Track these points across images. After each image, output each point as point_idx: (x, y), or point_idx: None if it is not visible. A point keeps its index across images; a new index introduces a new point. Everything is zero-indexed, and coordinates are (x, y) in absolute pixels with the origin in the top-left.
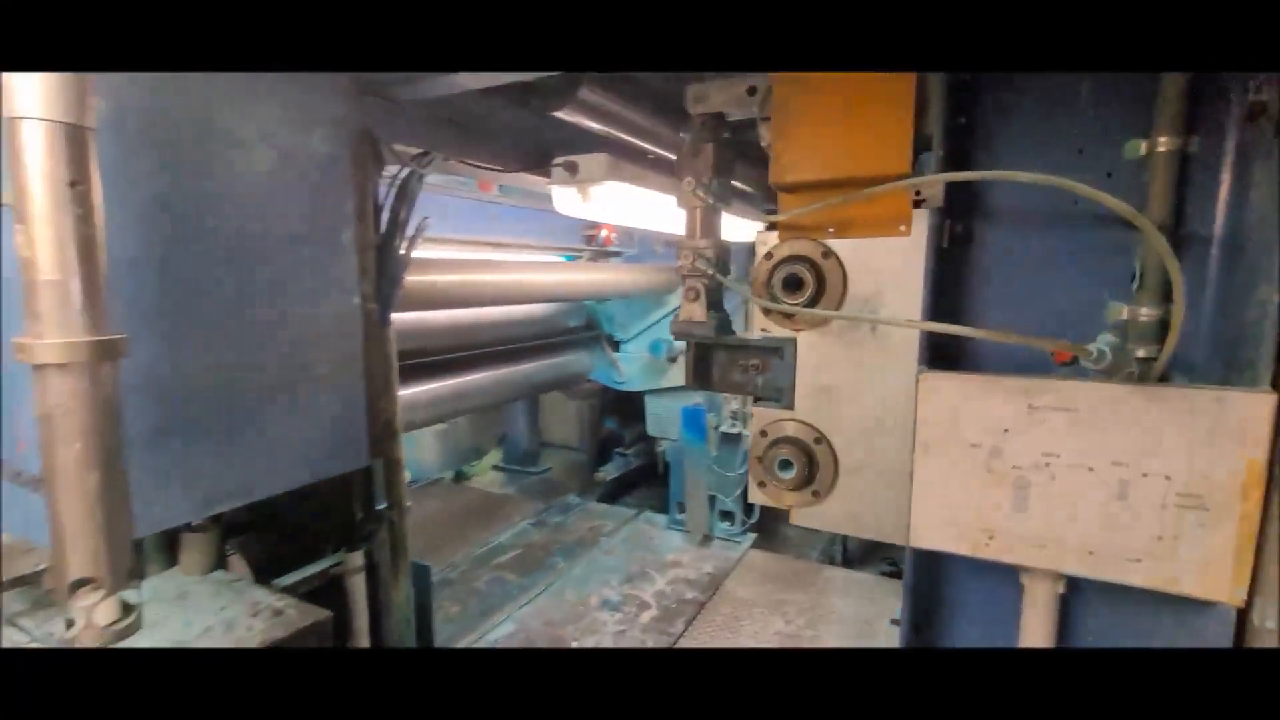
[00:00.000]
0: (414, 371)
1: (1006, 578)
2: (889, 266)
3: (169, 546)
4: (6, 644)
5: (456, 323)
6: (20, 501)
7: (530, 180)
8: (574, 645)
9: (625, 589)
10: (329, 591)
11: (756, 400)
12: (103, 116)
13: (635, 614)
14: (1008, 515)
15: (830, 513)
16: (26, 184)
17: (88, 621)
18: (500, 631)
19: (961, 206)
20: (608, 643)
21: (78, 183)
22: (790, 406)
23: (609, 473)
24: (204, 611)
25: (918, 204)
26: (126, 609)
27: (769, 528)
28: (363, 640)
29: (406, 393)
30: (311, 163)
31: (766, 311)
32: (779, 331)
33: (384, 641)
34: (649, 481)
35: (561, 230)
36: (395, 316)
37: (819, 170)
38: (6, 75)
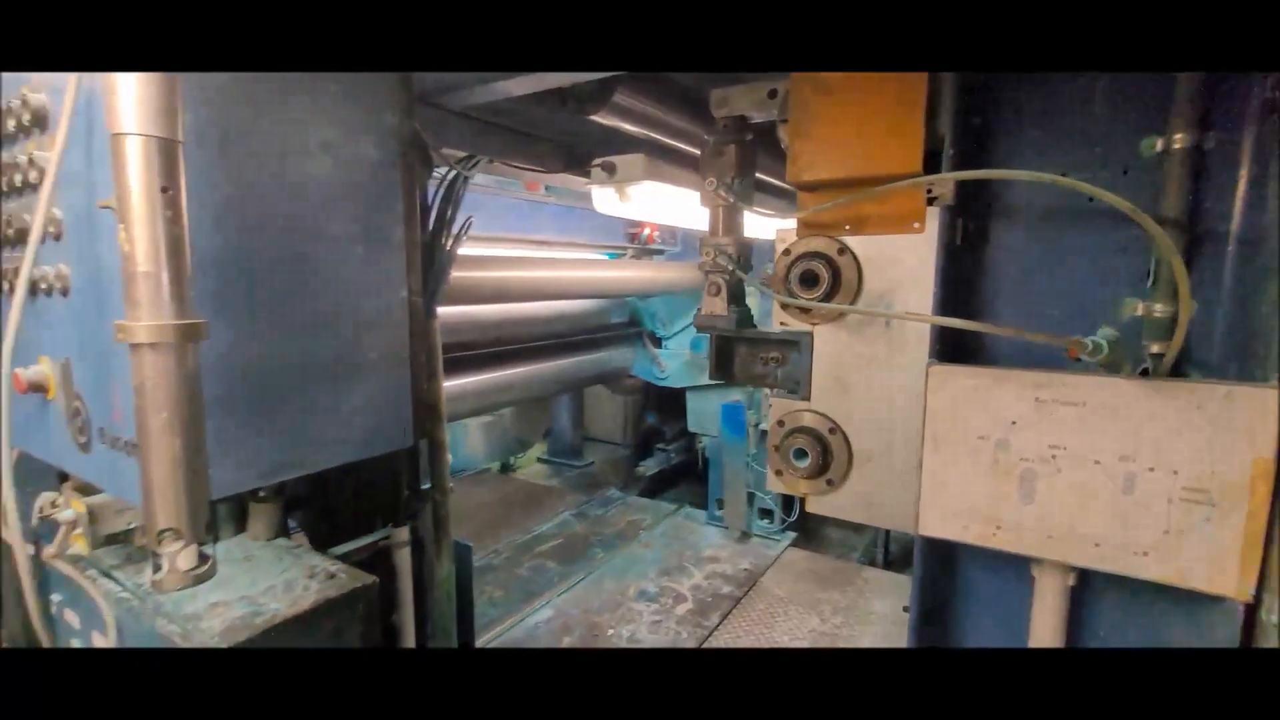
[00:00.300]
0: (461, 363)
1: (1017, 570)
2: (903, 263)
3: (238, 515)
4: (99, 594)
5: (502, 317)
6: (116, 465)
7: (573, 181)
8: (610, 633)
9: (662, 581)
10: (378, 562)
11: (775, 391)
12: (187, 130)
13: (671, 606)
14: (1015, 506)
15: (843, 501)
16: (127, 190)
17: (171, 566)
18: (539, 616)
19: (976, 205)
20: (643, 633)
21: (168, 188)
22: (806, 398)
23: (649, 468)
24: (267, 572)
25: (931, 202)
26: (203, 559)
27: (809, 527)
28: (407, 609)
29: (454, 383)
30: (365, 169)
31: (784, 306)
32: (797, 325)
33: (427, 611)
34: (690, 477)
35: (605, 229)
36: (443, 310)
37: (834, 169)
38: (111, 94)
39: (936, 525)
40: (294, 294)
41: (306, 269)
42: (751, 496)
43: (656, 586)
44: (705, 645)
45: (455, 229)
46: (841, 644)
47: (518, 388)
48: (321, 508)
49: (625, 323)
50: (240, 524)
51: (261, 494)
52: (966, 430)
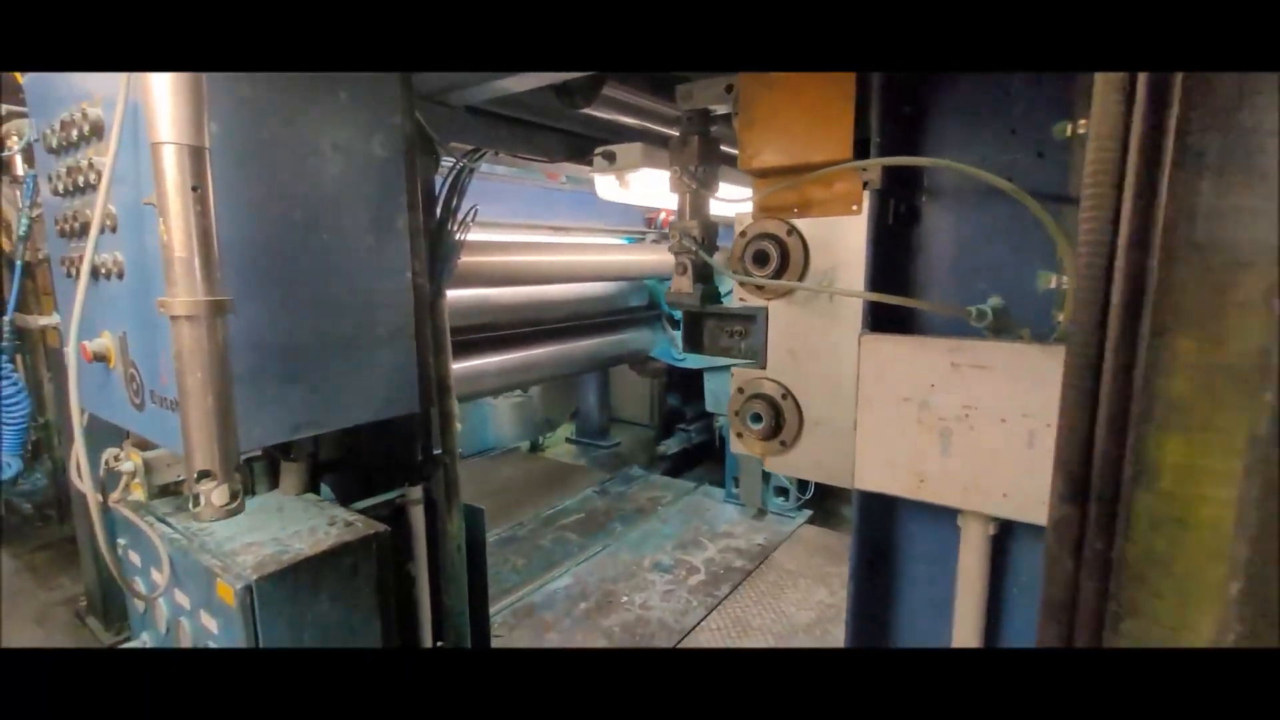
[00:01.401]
0: (482, 344)
1: (947, 521)
2: (844, 242)
3: (272, 473)
4: (155, 535)
5: (523, 300)
6: (164, 420)
7: (585, 170)
8: (624, 600)
9: (677, 554)
10: (395, 517)
11: (741, 362)
12: (215, 137)
13: (684, 577)
14: (936, 461)
15: (796, 460)
16: (165, 189)
17: (207, 501)
18: (559, 583)
19: (906, 188)
20: (655, 600)
21: (198, 187)
22: (763, 366)
23: (670, 447)
24: (296, 519)
25: (866, 186)
26: (234, 496)
27: (827, 506)
28: (421, 559)
29: (476, 362)
30: (373, 165)
31: (741, 283)
32: (753, 301)
33: (440, 562)
34: (711, 457)
35: (624, 214)
36: (464, 293)
37: (778, 157)
38: (149, 109)
39: (870, 479)
40: (313, 278)
41: (323, 256)
42: (767, 475)
43: (671, 559)
44: (715, 613)
45: (461, 217)
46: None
47: (540, 367)
48: (348, 469)
49: (645, 306)
50: (274, 481)
51: (293, 455)
52: (893, 392)
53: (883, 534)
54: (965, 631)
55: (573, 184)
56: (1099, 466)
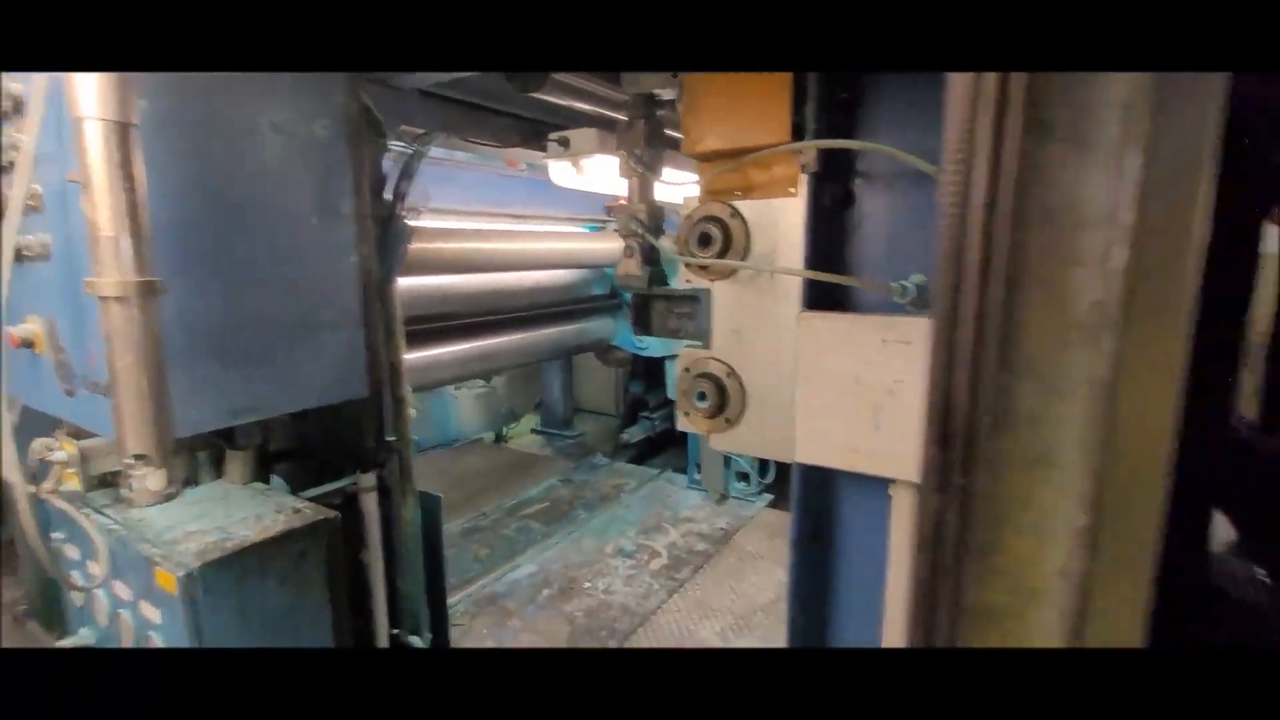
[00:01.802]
0: (441, 333)
1: (882, 491)
2: (784, 224)
3: (217, 462)
4: (92, 526)
5: (482, 288)
6: (95, 406)
7: (538, 155)
8: (586, 585)
9: (640, 539)
10: (348, 505)
11: (689, 343)
12: (146, 114)
13: (646, 561)
14: (868, 434)
15: (740, 437)
16: (89, 166)
17: (141, 486)
18: (522, 571)
19: (842, 171)
20: (617, 585)
21: (125, 164)
22: (709, 346)
23: (634, 435)
24: (242, 507)
25: (804, 169)
26: (170, 481)
27: (788, 490)
28: (375, 547)
29: (434, 351)
30: (315, 146)
31: (687, 265)
32: (699, 282)
33: (395, 547)
34: (675, 444)
35: (584, 202)
36: (420, 281)
37: (719, 141)
38: (71, 85)
39: (809, 453)
40: (253, 259)
41: (263, 237)
42: (728, 460)
43: (634, 544)
44: (676, 595)
45: (412, 202)
46: None
47: (500, 356)
48: (299, 458)
49: (607, 294)
50: (220, 471)
51: (239, 443)
52: (830, 368)
53: (822, 506)
54: (897, 595)
55: (532, 171)
56: (963, 413)
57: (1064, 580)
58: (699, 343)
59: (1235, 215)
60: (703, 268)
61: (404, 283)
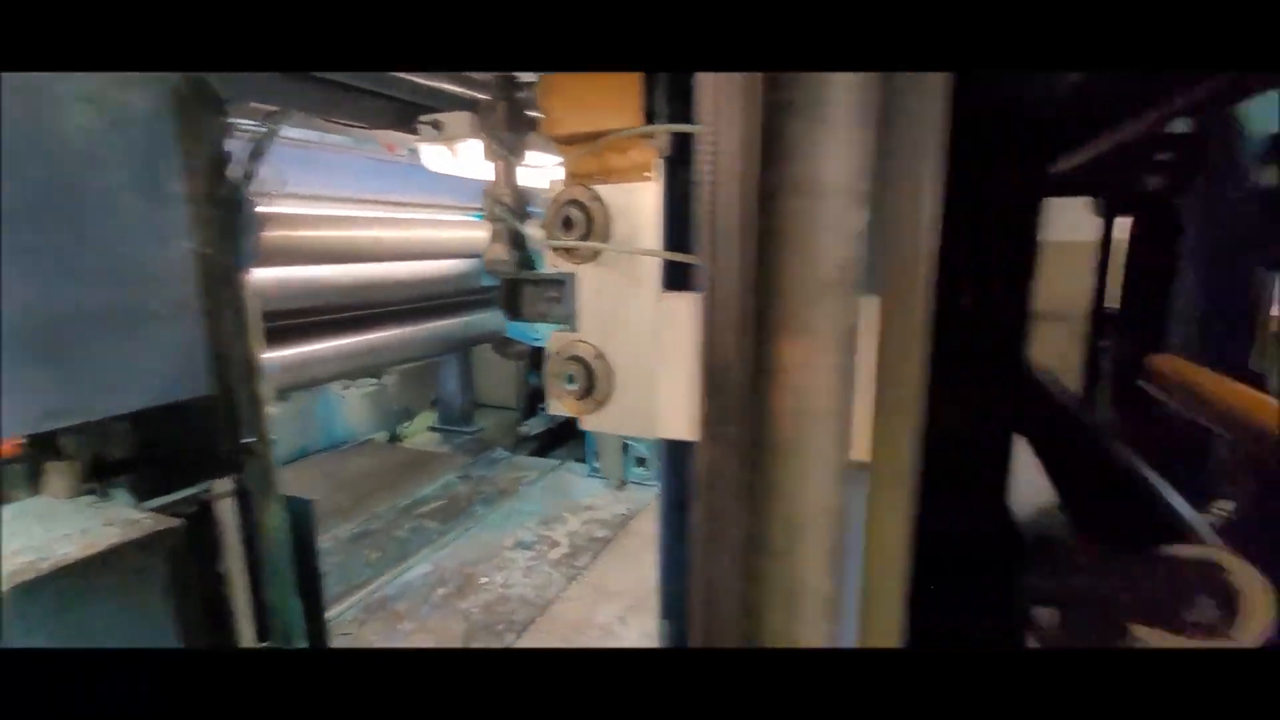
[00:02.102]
0: (318, 327)
1: None
2: (642, 207)
3: (34, 476)
4: None
5: (364, 279)
6: None
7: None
8: (483, 581)
9: (540, 530)
10: (202, 514)
11: (559, 326)
12: None
13: (546, 551)
14: None
15: (609, 417)
16: None
17: None
18: (415, 572)
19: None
20: (516, 578)
21: None
22: (576, 329)
23: (534, 427)
24: (65, 524)
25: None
26: None
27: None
28: (235, 557)
29: (311, 348)
30: (134, 119)
31: (553, 249)
32: (565, 266)
33: (259, 556)
34: (575, 435)
35: (471, 190)
36: (291, 273)
37: (576, 124)
38: None
39: (667, 428)
40: (61, 245)
41: (74, 221)
42: (626, 446)
43: (534, 535)
44: (575, 582)
45: (262, 184)
46: None
47: (387, 351)
48: (144, 466)
49: (499, 285)
50: (38, 487)
51: (63, 453)
52: (685, 346)
53: (684, 479)
54: None
55: (414, 156)
56: (732, 369)
57: (827, 517)
58: (567, 326)
59: (1008, 199)
60: (568, 251)
61: (269, 273)
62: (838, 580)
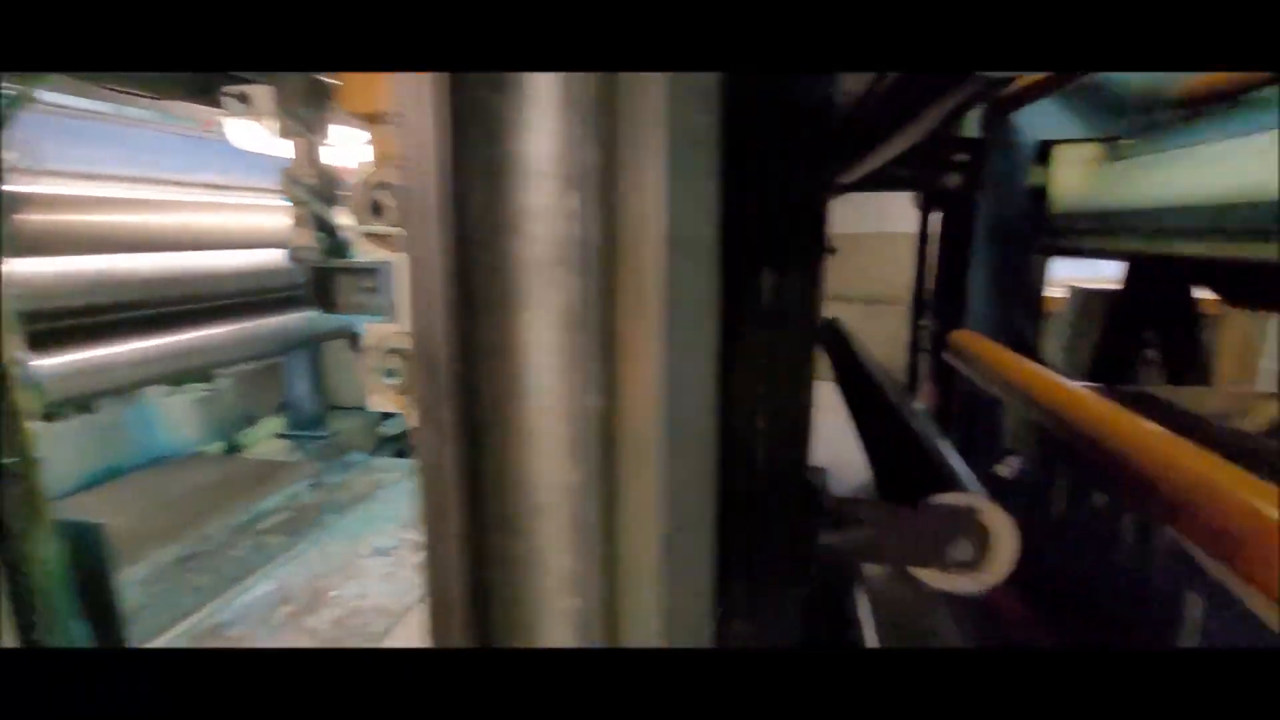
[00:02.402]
0: (118, 326)
1: None
2: None
3: None
4: None
5: (170, 272)
6: None
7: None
8: (333, 594)
9: (401, 534)
10: None
11: (376, 318)
12: None
13: (407, 556)
14: None
15: None
16: None
17: None
18: (255, 593)
19: None
20: (373, 588)
21: None
22: (396, 320)
23: (395, 427)
24: None
25: None
26: None
27: None
28: None
29: (106, 351)
30: None
31: (365, 235)
32: (381, 254)
33: (25, 596)
34: None
35: None
36: (74, 264)
37: (380, 102)
38: None
39: None
40: None
41: None
42: None
43: (393, 540)
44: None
45: (9, 160)
46: None
47: (212, 352)
48: None
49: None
50: None
51: None
52: None
53: None
54: None
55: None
56: (444, 349)
57: (566, 494)
58: (386, 317)
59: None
60: (380, 238)
61: (40, 264)
62: (582, 556)
